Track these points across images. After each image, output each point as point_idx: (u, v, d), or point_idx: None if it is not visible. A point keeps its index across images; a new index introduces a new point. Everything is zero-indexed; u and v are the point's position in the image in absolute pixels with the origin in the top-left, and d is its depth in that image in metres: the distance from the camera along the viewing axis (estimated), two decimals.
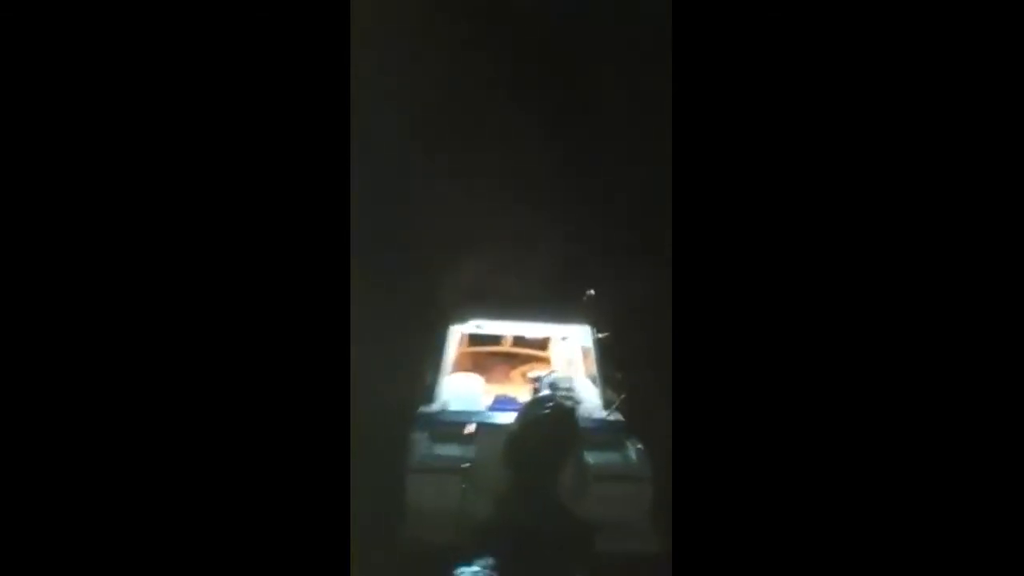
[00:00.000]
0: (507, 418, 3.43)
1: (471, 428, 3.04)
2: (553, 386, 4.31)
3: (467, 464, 2.87)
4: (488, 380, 4.53)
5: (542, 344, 5.24)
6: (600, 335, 3.77)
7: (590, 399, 3.77)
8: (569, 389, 4.19)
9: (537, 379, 4.30)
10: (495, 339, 5.19)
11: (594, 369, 3.90)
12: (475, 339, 5.09)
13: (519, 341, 5.21)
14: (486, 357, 5.17)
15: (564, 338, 4.71)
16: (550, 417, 2.57)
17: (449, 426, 3.26)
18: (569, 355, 4.60)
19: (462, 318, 3.88)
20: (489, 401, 4.06)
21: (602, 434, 3.16)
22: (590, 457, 2.96)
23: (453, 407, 3.60)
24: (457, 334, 3.96)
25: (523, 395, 4.46)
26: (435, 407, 3.54)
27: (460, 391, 3.81)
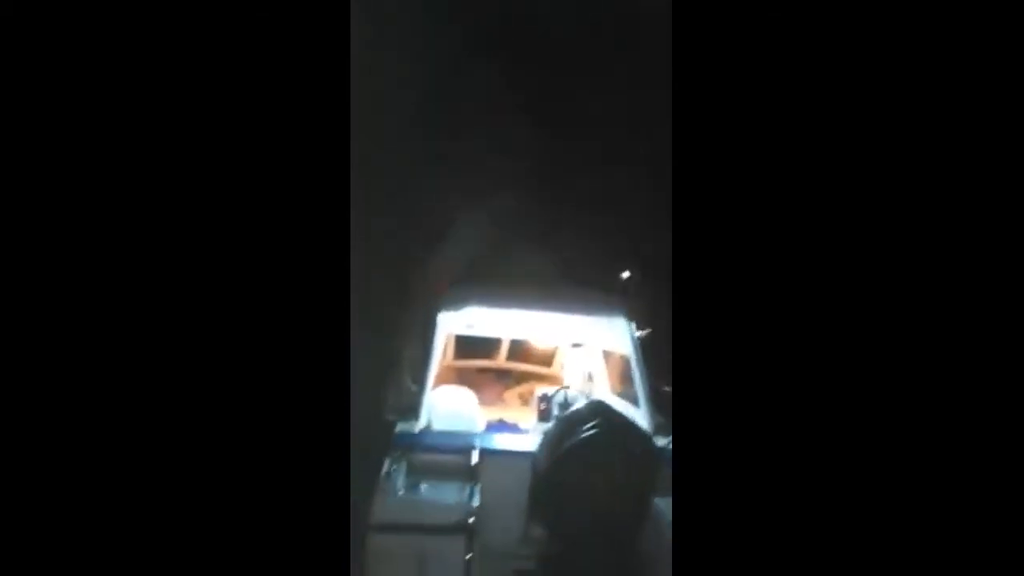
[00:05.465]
0: (521, 443, 2.33)
1: (474, 457, 1.92)
2: (565, 408, 3.22)
3: (472, 517, 1.75)
4: (477, 402, 3.40)
5: (545, 358, 4.14)
6: (641, 333, 2.66)
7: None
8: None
9: (546, 399, 3.19)
10: (486, 351, 4.09)
11: (630, 384, 2.78)
12: (461, 350, 3.99)
13: (516, 353, 4.11)
14: (474, 374, 4.06)
15: (577, 344, 3.61)
16: (598, 441, 1.56)
17: (440, 454, 2.12)
18: (586, 367, 3.49)
19: (454, 305, 2.74)
20: (482, 428, 2.93)
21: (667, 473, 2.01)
22: (662, 505, 1.82)
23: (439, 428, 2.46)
24: (445, 326, 2.81)
25: (525, 422, 3.35)
26: (418, 426, 2.38)
27: (449, 409, 2.66)
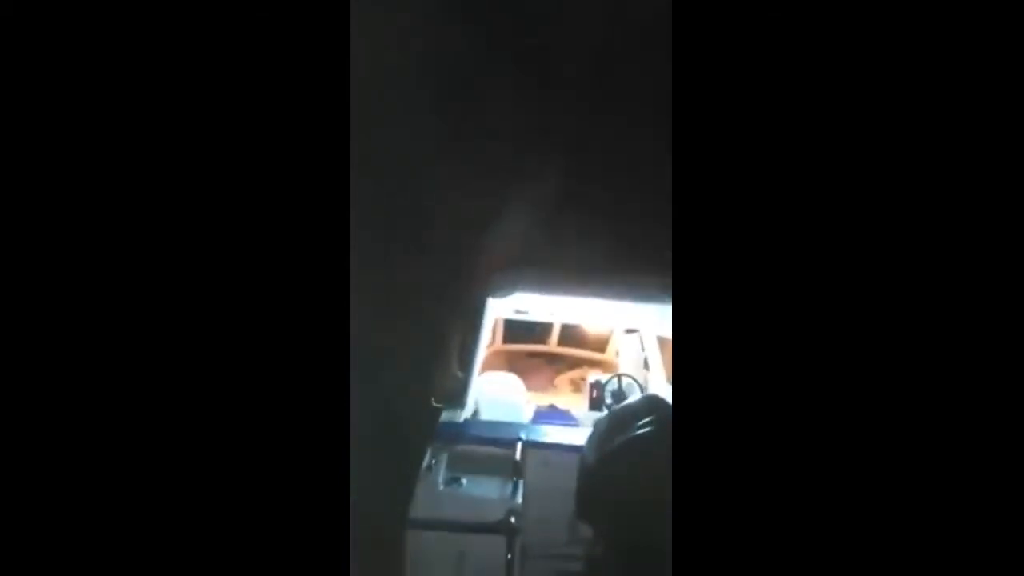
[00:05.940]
0: (570, 436, 2.25)
1: (518, 452, 1.83)
2: (618, 396, 3.10)
3: (514, 515, 1.67)
4: (527, 387, 3.34)
5: (598, 344, 4.02)
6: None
7: None
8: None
9: (598, 385, 3.08)
10: (536, 335, 4.01)
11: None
12: (510, 335, 3.93)
13: (568, 338, 4.01)
14: (523, 358, 4.00)
15: (631, 330, 3.47)
16: (652, 438, 1.47)
17: (483, 447, 2.05)
18: (641, 353, 3.35)
19: (503, 288, 2.66)
20: (530, 415, 2.86)
21: None
22: None
23: (486, 417, 2.40)
24: (494, 310, 2.73)
25: (576, 408, 3.25)
26: (463, 414, 2.31)
27: (495, 396, 2.59)
